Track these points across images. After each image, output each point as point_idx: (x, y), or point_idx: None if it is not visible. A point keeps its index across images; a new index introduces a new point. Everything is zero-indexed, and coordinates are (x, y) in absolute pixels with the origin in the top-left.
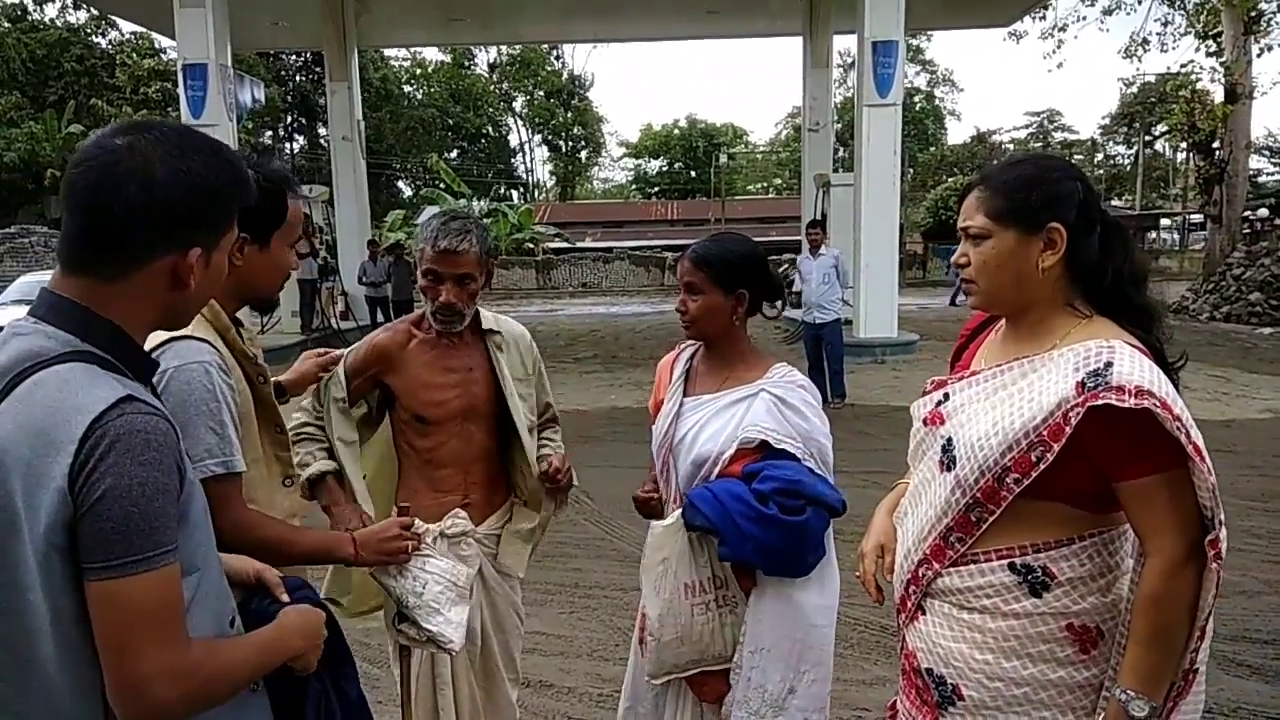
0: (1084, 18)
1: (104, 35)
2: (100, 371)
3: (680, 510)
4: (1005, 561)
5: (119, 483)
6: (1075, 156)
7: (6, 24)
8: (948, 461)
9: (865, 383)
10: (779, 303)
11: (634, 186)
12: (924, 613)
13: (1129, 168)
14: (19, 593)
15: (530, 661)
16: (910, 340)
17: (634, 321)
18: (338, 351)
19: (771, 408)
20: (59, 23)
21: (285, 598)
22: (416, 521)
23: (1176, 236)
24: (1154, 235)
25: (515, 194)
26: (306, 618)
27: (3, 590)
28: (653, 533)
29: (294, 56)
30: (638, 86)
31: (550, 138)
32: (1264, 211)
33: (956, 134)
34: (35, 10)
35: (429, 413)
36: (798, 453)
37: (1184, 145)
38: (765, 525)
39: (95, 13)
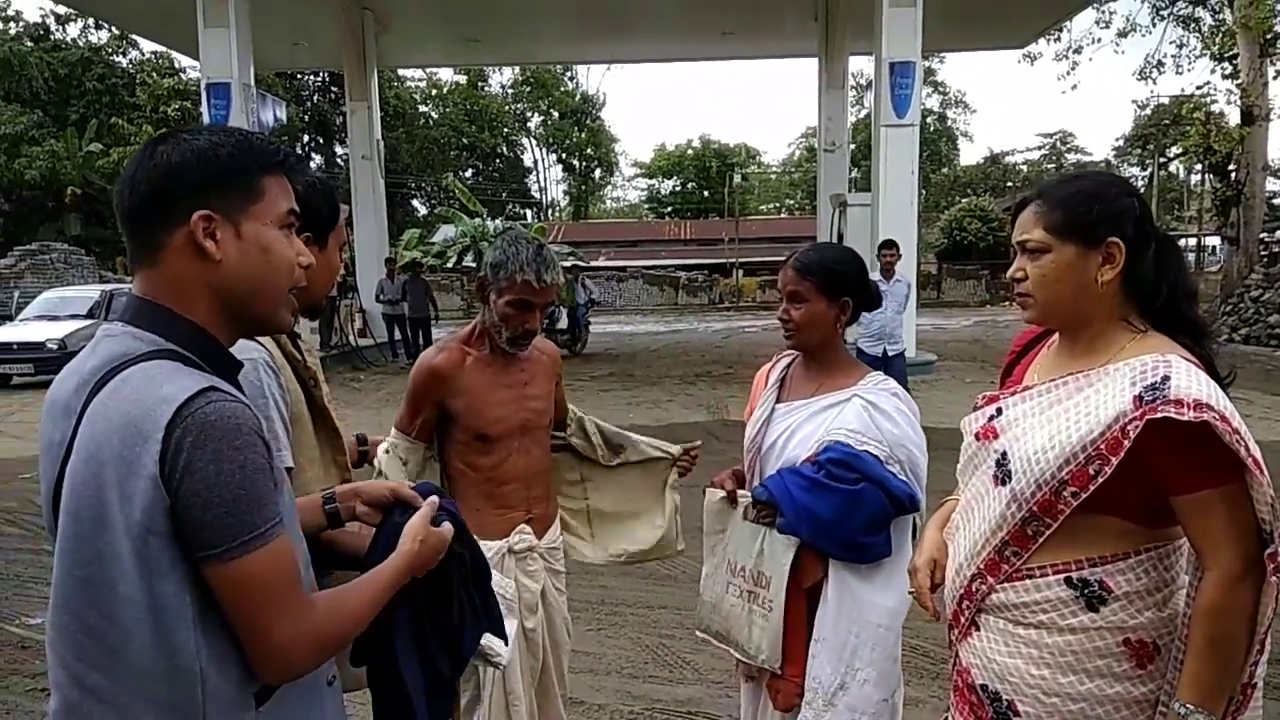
0: (1098, 40)
1: (125, 55)
2: (183, 367)
3: (751, 491)
4: (1061, 576)
5: (220, 468)
6: None
7: (29, 43)
8: (1002, 475)
9: None
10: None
11: (647, 206)
12: (978, 628)
13: (1143, 189)
14: (111, 585)
15: None
16: (928, 360)
17: (648, 340)
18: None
19: (861, 412)
20: (81, 42)
21: (422, 502)
22: None
23: (1193, 258)
24: None
25: (529, 213)
26: (424, 549)
27: (92, 586)
28: (710, 503)
29: (312, 77)
30: (651, 107)
31: (564, 157)
32: None
33: (969, 155)
34: (58, 30)
35: (492, 430)
36: (880, 455)
37: (1199, 167)
38: (815, 491)
39: (117, 32)
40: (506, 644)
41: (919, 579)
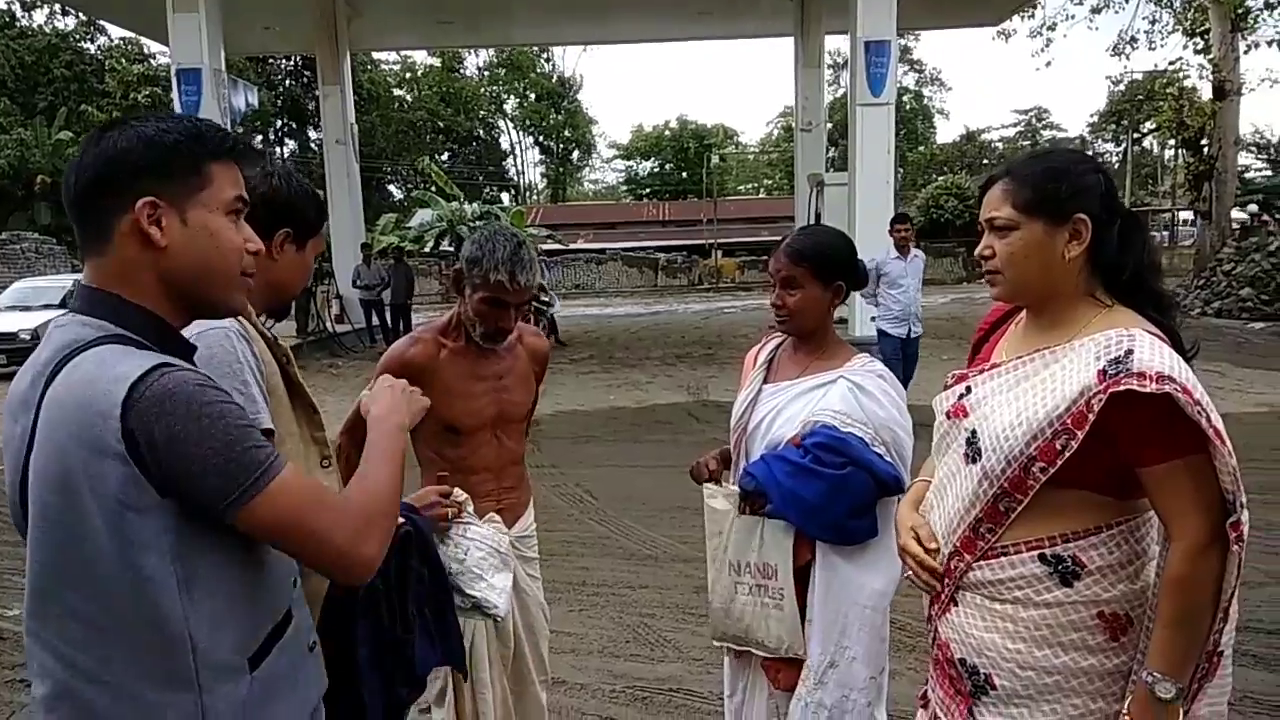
0: (1073, 16)
1: (93, 41)
2: (134, 349)
3: (738, 482)
4: (1035, 553)
5: (199, 425)
6: None
7: None
8: (973, 453)
9: None
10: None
11: (625, 188)
12: (956, 604)
13: (1117, 165)
14: (88, 568)
15: None
16: None
17: (629, 322)
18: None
19: (847, 394)
20: (48, 29)
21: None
22: (456, 490)
23: (1166, 233)
24: None
25: (507, 196)
26: (390, 400)
27: (72, 569)
28: (710, 505)
29: (284, 61)
30: (628, 88)
31: (541, 140)
32: (1253, 207)
33: (946, 133)
34: (24, 17)
35: (463, 422)
36: (865, 437)
37: (1173, 142)
38: (801, 477)
39: (84, 19)
40: (500, 596)
41: (912, 550)
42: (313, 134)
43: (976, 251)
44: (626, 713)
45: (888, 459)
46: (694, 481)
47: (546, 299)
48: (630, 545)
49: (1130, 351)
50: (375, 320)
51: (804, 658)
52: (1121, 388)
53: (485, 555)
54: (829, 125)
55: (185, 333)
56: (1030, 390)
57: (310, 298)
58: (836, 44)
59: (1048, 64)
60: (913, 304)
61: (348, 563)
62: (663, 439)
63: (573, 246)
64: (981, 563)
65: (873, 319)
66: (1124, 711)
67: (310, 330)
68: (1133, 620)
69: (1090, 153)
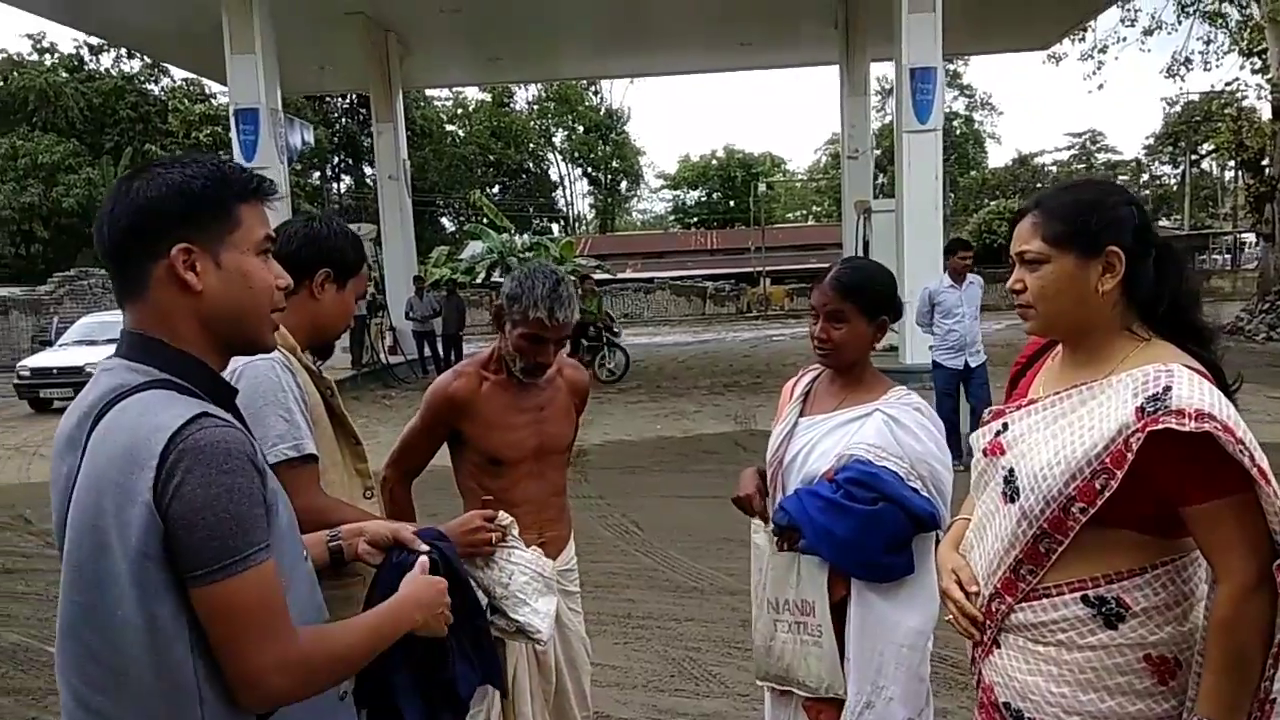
0: (1124, 39)
1: (157, 82)
2: (178, 395)
3: (772, 517)
4: (1078, 594)
5: (206, 493)
6: (1120, 177)
7: (64, 74)
8: (1010, 493)
9: None
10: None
11: (673, 217)
12: (999, 647)
13: (1176, 188)
14: (110, 610)
15: None
16: None
17: (676, 351)
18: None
19: (882, 427)
20: (114, 71)
21: (423, 547)
22: (501, 514)
23: (1228, 256)
24: (1204, 256)
25: (556, 227)
26: (422, 592)
27: (94, 610)
28: (754, 540)
29: (340, 99)
30: (675, 118)
31: (590, 171)
32: None
33: (997, 157)
34: (91, 60)
35: (504, 454)
36: (900, 471)
37: (1232, 164)
38: (833, 513)
39: (148, 61)
40: (544, 621)
41: (954, 595)
42: (368, 170)
43: (1008, 285)
44: None
45: (924, 494)
46: (739, 510)
47: (614, 332)
48: (676, 577)
49: (1169, 388)
50: (428, 351)
51: (845, 698)
52: (1160, 426)
53: (530, 579)
54: (877, 152)
55: (232, 363)
56: (1068, 428)
57: (365, 330)
58: (883, 70)
59: (1100, 86)
60: (969, 333)
61: (246, 686)
62: (709, 469)
63: (621, 276)
64: (1024, 604)
65: (930, 348)
66: None
67: (365, 362)
68: (1181, 663)
69: (1136, 178)
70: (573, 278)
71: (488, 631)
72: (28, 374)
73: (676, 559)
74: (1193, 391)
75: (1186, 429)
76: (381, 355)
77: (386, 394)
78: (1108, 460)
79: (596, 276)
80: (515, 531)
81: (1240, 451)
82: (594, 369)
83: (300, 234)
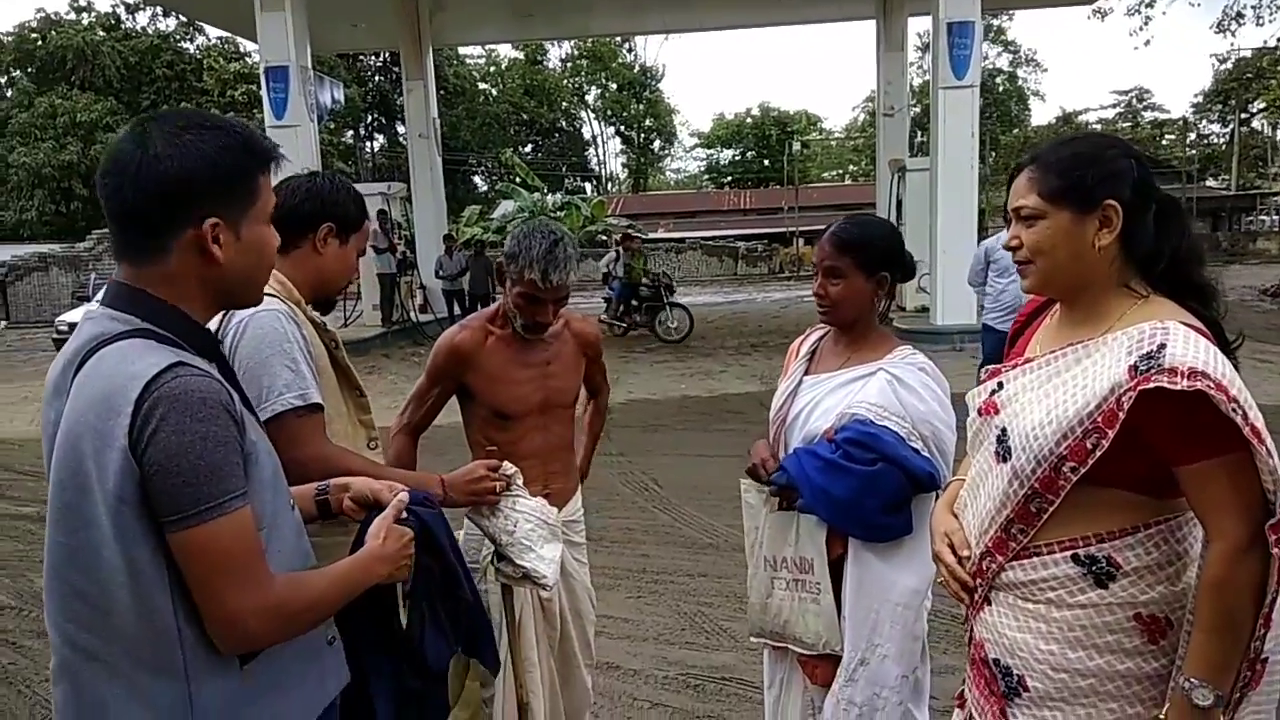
0: None
1: (192, 41)
2: (156, 344)
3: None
4: (1069, 553)
5: (181, 439)
6: (1167, 136)
7: (102, 33)
8: (1003, 452)
9: (943, 370)
10: None
11: (706, 176)
12: (990, 604)
13: (1224, 147)
14: (94, 551)
15: (598, 644)
16: None
17: (705, 311)
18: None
19: (885, 386)
20: (150, 30)
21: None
22: (506, 464)
23: (1277, 217)
24: (1251, 217)
25: (589, 186)
26: (386, 547)
27: (81, 550)
28: (745, 500)
29: (373, 57)
30: (709, 76)
31: (623, 130)
32: None
33: (1041, 115)
34: (128, 19)
35: (509, 408)
36: (901, 431)
37: None
38: (831, 473)
39: (183, 20)
40: (549, 567)
41: (946, 559)
42: (400, 129)
43: (1004, 242)
44: (678, 699)
45: (924, 454)
46: (752, 480)
47: (671, 289)
48: (692, 534)
49: (1164, 345)
50: (458, 309)
51: (841, 654)
52: (1151, 385)
53: (534, 526)
54: (915, 109)
55: (238, 315)
56: (1061, 387)
57: (395, 288)
58: (922, 25)
59: (1146, 43)
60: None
61: (223, 629)
62: (733, 428)
63: (652, 236)
64: (1014, 563)
65: (981, 308)
66: (1161, 717)
67: (395, 320)
68: (1173, 623)
69: (1183, 136)
70: (605, 236)
71: (471, 604)
72: (66, 329)
73: (693, 515)
74: (1188, 349)
75: (1178, 387)
76: (412, 314)
77: (416, 351)
78: (1099, 419)
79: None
80: (520, 481)
81: (1234, 410)
82: (655, 328)
83: (303, 189)
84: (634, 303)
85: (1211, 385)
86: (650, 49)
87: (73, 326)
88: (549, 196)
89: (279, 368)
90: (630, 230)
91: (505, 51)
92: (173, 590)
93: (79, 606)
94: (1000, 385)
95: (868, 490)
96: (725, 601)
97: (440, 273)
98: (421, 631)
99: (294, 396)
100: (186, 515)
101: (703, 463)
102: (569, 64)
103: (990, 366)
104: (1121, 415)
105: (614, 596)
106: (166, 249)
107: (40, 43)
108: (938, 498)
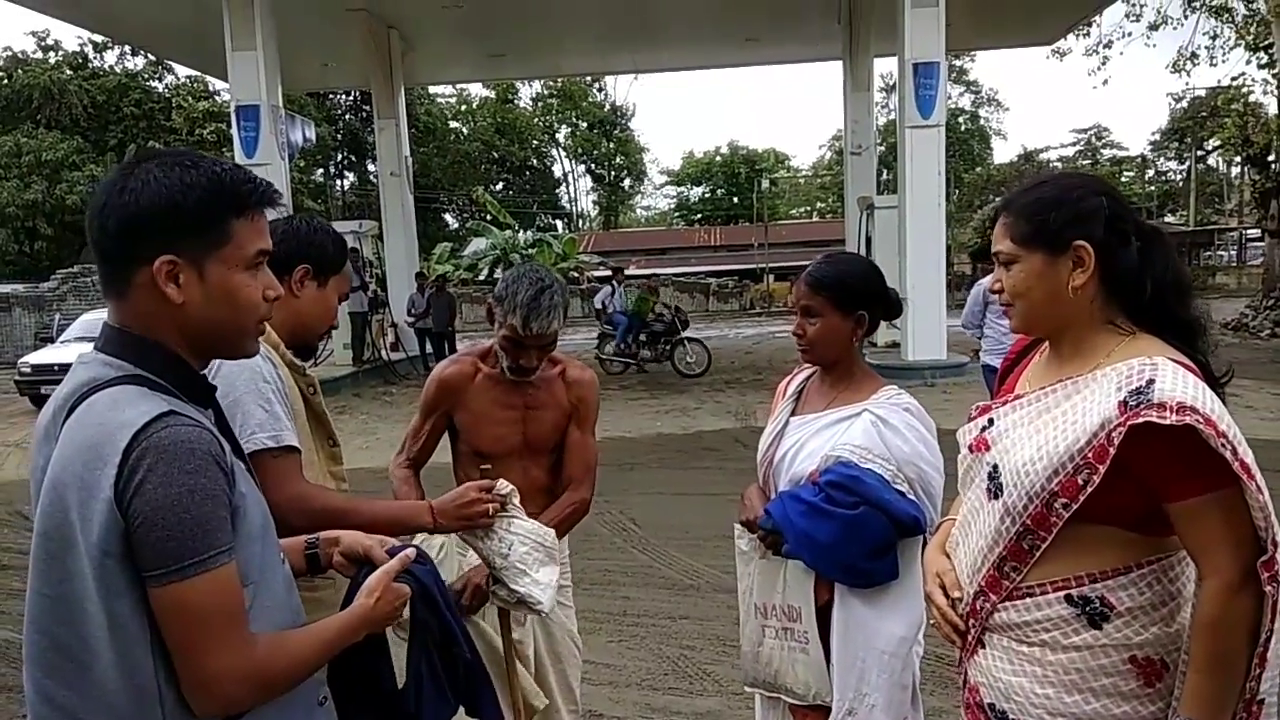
0: (1129, 34)
1: (160, 80)
2: (148, 392)
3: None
4: (1062, 593)
5: (168, 492)
6: (1125, 173)
7: (69, 71)
8: (995, 489)
9: None
10: None
11: (677, 214)
12: (984, 646)
13: (1181, 184)
14: (77, 604)
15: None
16: (960, 362)
17: None
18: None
19: (869, 428)
20: (118, 69)
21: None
22: (501, 483)
23: (1234, 252)
24: (1209, 252)
25: (560, 224)
26: (378, 608)
27: (62, 603)
28: (738, 546)
29: (343, 95)
30: (679, 115)
31: (593, 168)
32: None
33: (1003, 153)
34: (95, 58)
35: (487, 447)
36: (885, 473)
37: (1238, 160)
38: (813, 517)
39: (152, 59)
40: (544, 592)
41: (937, 601)
42: (371, 167)
43: (989, 285)
44: None
45: (910, 497)
46: (748, 530)
47: (685, 324)
48: (673, 575)
49: (1152, 381)
50: (429, 347)
51: (828, 705)
52: (1140, 419)
53: (530, 550)
54: (880, 148)
55: None
56: (1051, 423)
57: (366, 327)
58: (887, 66)
59: (1105, 82)
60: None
61: (200, 691)
62: (709, 466)
63: (627, 273)
64: (1007, 603)
65: (979, 352)
66: None
67: (366, 359)
68: (1169, 665)
69: (1142, 174)
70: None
71: (469, 662)
72: (29, 370)
73: (673, 556)
74: (1175, 384)
75: (1167, 422)
76: (383, 352)
77: (387, 391)
78: (1090, 455)
79: (598, 273)
80: (516, 500)
81: (1223, 445)
82: (675, 363)
83: (278, 231)
84: (642, 338)
85: (1200, 420)
86: (620, 88)
87: (36, 368)
88: (520, 234)
89: (252, 405)
90: (620, 265)
91: (476, 90)
92: (153, 648)
93: (59, 661)
94: (991, 421)
95: (851, 534)
96: (708, 644)
97: (412, 310)
98: (418, 691)
99: (266, 437)
100: (170, 570)
101: (680, 501)
102: (540, 103)
103: (980, 404)
104: (1112, 450)
105: (595, 640)
106: (129, 283)
107: (6, 81)
108: (925, 542)
